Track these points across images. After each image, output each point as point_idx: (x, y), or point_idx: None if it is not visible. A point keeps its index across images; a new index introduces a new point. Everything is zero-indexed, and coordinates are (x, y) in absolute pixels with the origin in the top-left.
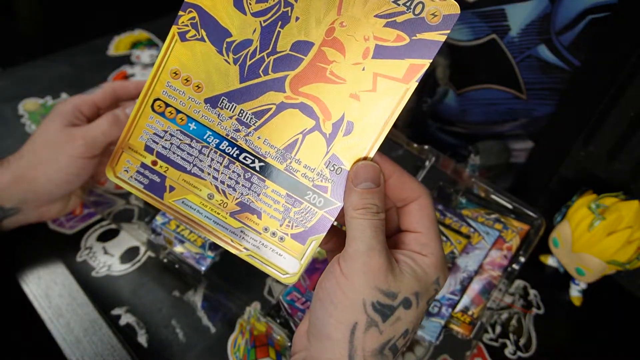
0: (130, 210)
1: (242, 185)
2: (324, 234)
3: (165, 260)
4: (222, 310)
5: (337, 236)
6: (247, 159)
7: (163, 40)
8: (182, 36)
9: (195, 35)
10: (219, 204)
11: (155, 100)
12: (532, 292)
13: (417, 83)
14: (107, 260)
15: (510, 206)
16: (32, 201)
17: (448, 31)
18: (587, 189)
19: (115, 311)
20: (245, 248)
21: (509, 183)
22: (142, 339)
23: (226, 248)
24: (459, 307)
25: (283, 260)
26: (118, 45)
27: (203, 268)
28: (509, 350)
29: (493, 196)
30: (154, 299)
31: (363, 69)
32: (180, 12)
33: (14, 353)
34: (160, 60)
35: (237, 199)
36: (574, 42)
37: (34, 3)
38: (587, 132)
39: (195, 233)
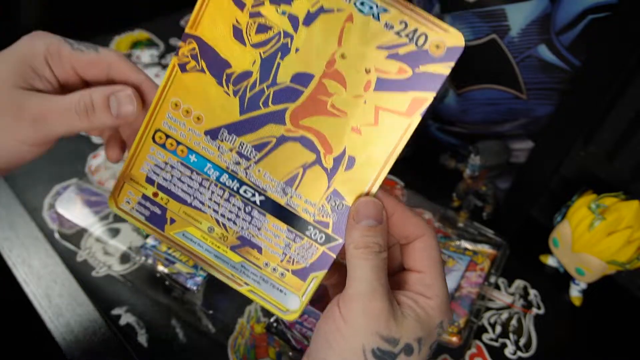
0: None
1: (243, 219)
2: (325, 270)
3: (158, 275)
4: (222, 310)
5: (339, 271)
6: (247, 192)
7: (163, 40)
8: (183, 67)
9: (195, 66)
10: (220, 238)
11: (156, 131)
12: (532, 292)
13: (420, 117)
14: (107, 260)
15: (476, 233)
16: None
17: (452, 63)
18: (587, 189)
19: (115, 311)
20: (245, 283)
21: (509, 183)
22: (142, 339)
23: (226, 282)
24: None
25: (284, 297)
26: (118, 45)
27: (194, 287)
28: (509, 350)
29: (464, 226)
30: (154, 299)
31: (365, 102)
32: (181, 43)
33: (14, 353)
34: (160, 92)
35: (237, 232)
36: (574, 42)
37: (34, 3)
38: (587, 132)
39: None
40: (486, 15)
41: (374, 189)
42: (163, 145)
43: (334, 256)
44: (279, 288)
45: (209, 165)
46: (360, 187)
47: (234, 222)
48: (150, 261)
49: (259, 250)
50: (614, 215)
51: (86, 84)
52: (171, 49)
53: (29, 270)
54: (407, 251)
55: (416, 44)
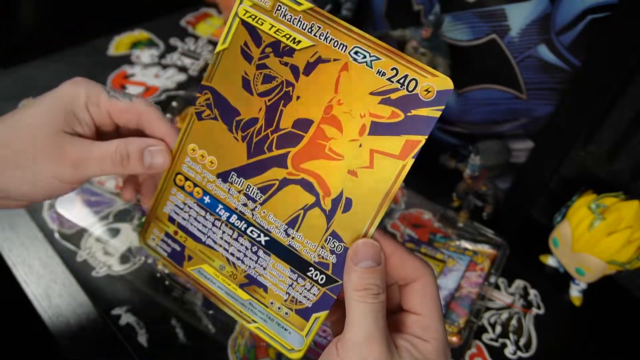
0: (130, 210)
1: (250, 258)
2: (327, 311)
3: (158, 275)
4: (222, 311)
5: (340, 309)
6: (253, 232)
7: (163, 40)
8: (199, 115)
9: (209, 114)
10: (230, 275)
11: (177, 174)
12: (532, 292)
13: (413, 160)
14: (107, 260)
15: (477, 233)
16: None
17: (442, 107)
18: (587, 189)
19: (115, 311)
20: (253, 320)
21: (509, 183)
22: (142, 339)
23: (236, 319)
24: (447, 320)
25: (288, 335)
26: (118, 45)
27: (194, 289)
28: (509, 350)
29: (463, 226)
30: (154, 299)
31: (360, 146)
32: (197, 94)
33: (14, 353)
34: (180, 138)
35: (245, 271)
36: (574, 42)
37: (34, 3)
38: (587, 132)
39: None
40: (486, 15)
41: (371, 231)
42: (182, 187)
43: (335, 297)
44: (283, 327)
45: (220, 206)
46: (357, 229)
47: (242, 261)
48: (150, 261)
49: (265, 289)
50: (614, 215)
51: (117, 128)
52: (171, 49)
53: (29, 270)
54: (405, 292)
55: (407, 89)
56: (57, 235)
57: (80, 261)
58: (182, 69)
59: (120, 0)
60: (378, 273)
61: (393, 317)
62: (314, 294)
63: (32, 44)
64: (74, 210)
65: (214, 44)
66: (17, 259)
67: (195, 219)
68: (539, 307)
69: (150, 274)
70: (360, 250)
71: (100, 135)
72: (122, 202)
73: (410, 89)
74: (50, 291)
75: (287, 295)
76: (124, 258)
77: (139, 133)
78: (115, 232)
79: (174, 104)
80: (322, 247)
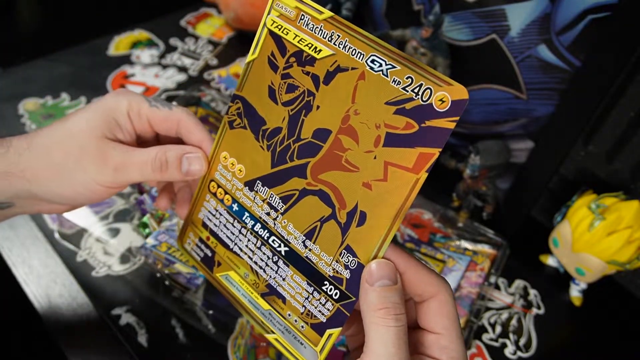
0: (130, 211)
1: (271, 268)
2: (340, 328)
3: (158, 275)
4: (222, 310)
5: (357, 321)
6: (274, 242)
7: (163, 40)
8: (231, 124)
9: (240, 123)
10: (253, 284)
11: (210, 181)
12: (532, 292)
13: (427, 174)
14: (107, 260)
15: (477, 233)
16: (27, 199)
17: (457, 118)
18: (587, 189)
19: (115, 311)
20: (272, 331)
21: (509, 183)
22: (142, 339)
23: (256, 328)
24: None
25: (304, 350)
26: (118, 45)
27: (194, 287)
28: (509, 350)
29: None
30: (154, 299)
31: (375, 158)
32: (230, 103)
33: (14, 353)
34: (215, 146)
35: (266, 280)
36: (574, 42)
37: (34, 3)
38: (587, 132)
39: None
40: (486, 15)
41: (384, 247)
42: (215, 194)
43: (348, 315)
44: (299, 340)
45: (246, 214)
46: (371, 244)
47: (264, 270)
48: (150, 261)
49: (284, 300)
50: (614, 215)
51: (157, 135)
52: (171, 49)
53: (29, 270)
54: (421, 310)
55: (422, 99)
56: (57, 235)
57: (80, 261)
58: (182, 69)
59: (120, 0)
60: (395, 291)
61: (410, 334)
62: (329, 310)
63: (32, 44)
64: (74, 210)
65: (214, 44)
66: (17, 259)
67: (224, 225)
68: (539, 307)
69: (150, 274)
70: (374, 271)
71: (141, 142)
72: (122, 202)
73: (424, 99)
74: (50, 291)
75: (304, 308)
76: (124, 258)
77: (178, 140)
78: (115, 232)
79: (174, 104)
80: (336, 261)
